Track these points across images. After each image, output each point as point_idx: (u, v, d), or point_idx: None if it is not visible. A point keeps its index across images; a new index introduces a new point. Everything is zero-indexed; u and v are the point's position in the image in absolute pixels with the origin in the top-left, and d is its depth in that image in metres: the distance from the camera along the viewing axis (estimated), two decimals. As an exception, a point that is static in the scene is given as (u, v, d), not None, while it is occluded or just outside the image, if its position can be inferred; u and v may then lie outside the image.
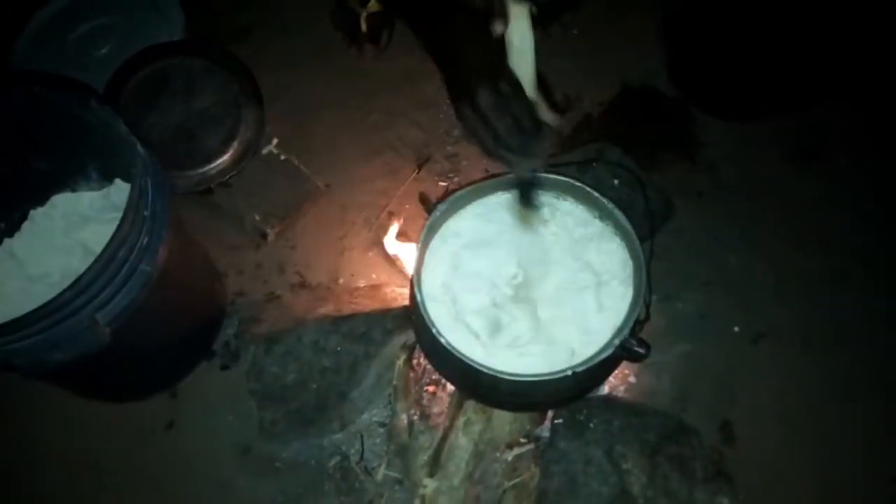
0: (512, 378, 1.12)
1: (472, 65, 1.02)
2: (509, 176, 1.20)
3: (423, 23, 1.16)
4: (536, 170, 1.12)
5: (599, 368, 1.14)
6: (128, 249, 1.18)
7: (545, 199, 1.30)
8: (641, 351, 1.13)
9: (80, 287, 1.11)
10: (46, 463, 1.55)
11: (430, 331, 1.15)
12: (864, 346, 1.62)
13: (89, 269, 1.12)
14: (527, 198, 1.17)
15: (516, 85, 1.01)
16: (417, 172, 1.80)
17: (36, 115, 1.31)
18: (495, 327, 1.23)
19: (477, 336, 1.22)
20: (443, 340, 1.14)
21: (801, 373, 1.59)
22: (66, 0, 1.97)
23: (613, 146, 1.72)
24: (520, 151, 1.03)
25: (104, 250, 1.13)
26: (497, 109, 0.99)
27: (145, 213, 1.20)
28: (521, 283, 1.27)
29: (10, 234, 1.50)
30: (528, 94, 1.02)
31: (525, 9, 0.99)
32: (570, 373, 1.11)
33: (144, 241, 1.22)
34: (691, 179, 1.81)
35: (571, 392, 1.23)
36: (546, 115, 1.06)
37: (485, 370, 1.12)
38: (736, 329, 1.63)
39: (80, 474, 1.54)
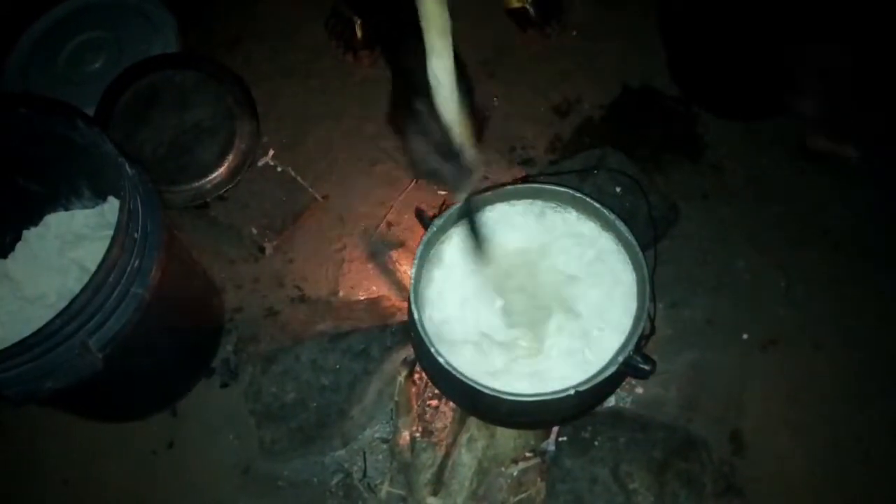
0: (514, 398, 1.09)
1: (408, 81, 0.99)
2: (492, 193, 1.16)
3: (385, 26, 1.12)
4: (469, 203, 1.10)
5: (603, 386, 1.11)
6: (118, 273, 1.15)
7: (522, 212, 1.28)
8: (646, 368, 1.10)
9: (70, 314, 1.09)
10: (48, 483, 1.54)
11: (430, 350, 1.12)
12: (877, 349, 1.58)
13: (79, 295, 1.09)
14: (472, 233, 1.15)
15: (434, 112, 0.97)
16: (416, 182, 1.77)
17: (24, 136, 1.30)
18: (494, 345, 1.20)
19: (476, 354, 1.18)
20: (441, 360, 1.11)
21: (812, 378, 1.55)
22: (57, 15, 1.96)
23: (615, 151, 1.68)
24: (441, 177, 1.02)
25: (94, 275, 1.11)
26: (420, 132, 0.98)
27: (136, 235, 1.18)
28: (521, 298, 1.23)
29: (4, 256, 1.48)
30: (448, 124, 0.98)
31: (447, 41, 0.92)
32: (572, 392, 1.07)
33: (136, 264, 1.19)
34: (696, 181, 1.78)
35: (575, 410, 1.20)
36: (466, 147, 1.00)
37: (486, 390, 1.09)
38: (745, 336, 1.60)
39: (82, 495, 1.53)
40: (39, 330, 1.06)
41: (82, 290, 1.09)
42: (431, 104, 0.96)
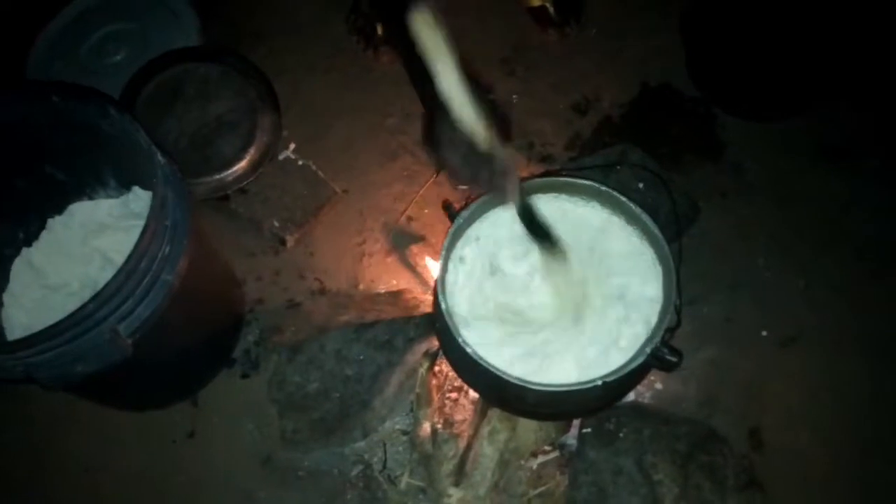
0: (540, 388, 1.10)
1: (428, 78, 0.99)
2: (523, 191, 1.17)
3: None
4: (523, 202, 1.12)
5: (629, 378, 1.12)
6: (150, 260, 1.16)
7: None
8: (673, 359, 1.11)
9: (103, 299, 1.10)
10: (68, 471, 1.55)
11: (456, 340, 1.13)
12: (896, 348, 1.58)
13: (111, 280, 1.10)
14: (538, 235, 1.15)
15: (455, 125, 0.98)
16: (436, 176, 1.78)
17: (53, 124, 1.30)
18: (521, 335, 1.21)
19: (502, 345, 1.19)
20: (469, 350, 1.11)
21: (831, 377, 1.55)
22: (80, 7, 1.96)
23: (636, 148, 1.69)
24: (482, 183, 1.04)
25: (126, 261, 1.11)
26: (450, 145, 1.00)
27: (166, 223, 1.19)
28: (548, 289, 1.24)
29: (29, 244, 1.50)
30: (471, 133, 0.99)
31: (448, 59, 0.94)
32: (599, 383, 1.08)
33: (166, 251, 1.20)
34: (716, 181, 1.78)
35: (600, 402, 1.21)
36: (496, 149, 1.01)
37: (512, 380, 1.09)
38: (764, 333, 1.60)
39: (102, 483, 1.54)
40: (73, 313, 1.07)
41: (115, 275, 1.10)
42: (452, 119, 0.97)
